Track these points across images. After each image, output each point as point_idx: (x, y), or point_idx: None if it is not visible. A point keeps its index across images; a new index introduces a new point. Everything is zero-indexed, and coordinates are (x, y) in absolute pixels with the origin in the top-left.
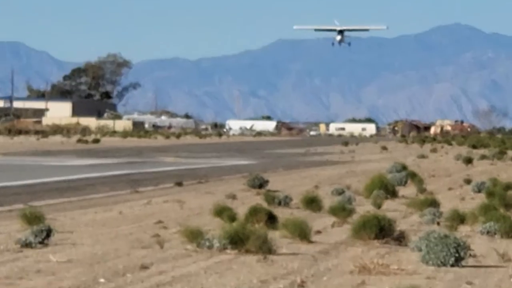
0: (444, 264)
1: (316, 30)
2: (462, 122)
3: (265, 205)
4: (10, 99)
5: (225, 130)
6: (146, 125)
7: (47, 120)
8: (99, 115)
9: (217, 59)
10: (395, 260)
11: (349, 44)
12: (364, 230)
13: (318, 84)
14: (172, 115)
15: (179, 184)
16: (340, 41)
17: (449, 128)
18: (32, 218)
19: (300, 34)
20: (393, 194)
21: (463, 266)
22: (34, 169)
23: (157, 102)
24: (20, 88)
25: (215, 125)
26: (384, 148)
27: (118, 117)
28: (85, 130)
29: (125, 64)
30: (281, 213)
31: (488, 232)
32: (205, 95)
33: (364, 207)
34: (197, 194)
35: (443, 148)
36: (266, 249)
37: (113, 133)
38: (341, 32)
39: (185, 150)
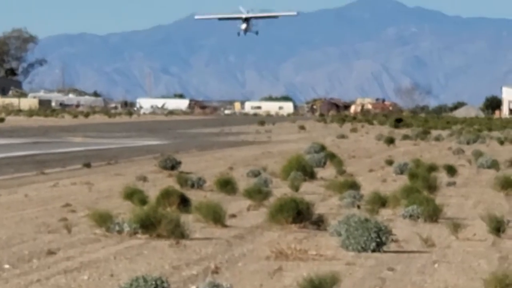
0: (365, 250)
1: (220, 19)
2: (383, 100)
3: (177, 187)
4: None
5: (135, 108)
6: (53, 104)
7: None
8: (4, 92)
9: (127, 34)
10: (314, 245)
11: (257, 33)
12: (281, 214)
13: (233, 61)
14: (80, 93)
15: (88, 165)
16: (246, 30)
17: (370, 106)
18: None
19: (215, 9)
20: (311, 176)
21: (385, 252)
22: None
23: (65, 79)
24: None
25: (125, 104)
26: (302, 127)
27: (24, 95)
28: None
29: (30, 39)
30: (194, 196)
31: (410, 216)
32: (114, 72)
33: (281, 190)
34: (106, 176)
35: (364, 128)
36: (178, 233)
37: (18, 111)
38: (247, 20)
39: (94, 130)
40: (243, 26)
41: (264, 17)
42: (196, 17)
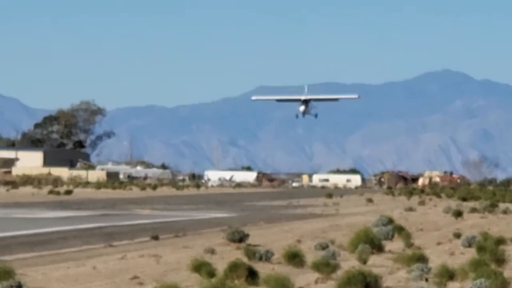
0: None
1: (278, 101)
2: (451, 173)
3: (245, 260)
4: None
5: (203, 181)
6: (121, 176)
7: (17, 170)
8: (72, 165)
9: (195, 106)
10: None
11: (316, 116)
12: (349, 287)
13: (300, 133)
14: (148, 165)
15: (155, 238)
16: (304, 113)
17: (438, 179)
18: (2, 274)
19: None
20: (379, 248)
21: None
22: (4, 222)
23: (133, 151)
24: None
25: (193, 176)
26: (370, 200)
27: (92, 167)
28: (57, 181)
29: (99, 111)
30: (262, 268)
31: None
32: (182, 144)
33: (349, 263)
34: (174, 248)
35: (432, 201)
36: None
37: (86, 184)
38: (305, 102)
39: (162, 202)
40: (302, 108)
41: (324, 100)
42: (253, 98)
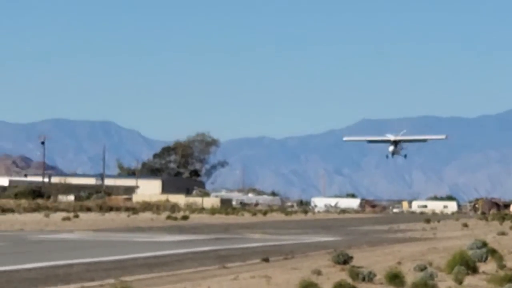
0: None
1: (369, 142)
2: None
3: (349, 280)
4: (102, 176)
5: (310, 207)
6: (234, 202)
7: (137, 197)
8: (188, 192)
9: (302, 138)
10: None
11: (405, 156)
12: None
13: (400, 163)
14: (259, 192)
15: (266, 260)
16: (394, 153)
17: None
18: None
19: (383, 113)
20: (474, 270)
21: None
22: (125, 245)
23: (245, 180)
24: (111, 166)
25: (301, 203)
26: (465, 225)
27: (207, 194)
28: (174, 207)
29: (213, 143)
30: None
31: None
32: (291, 173)
33: (446, 283)
34: (283, 269)
35: None
36: None
37: (202, 210)
38: (395, 143)
39: (272, 227)
40: (391, 148)
41: (413, 141)
42: (345, 138)
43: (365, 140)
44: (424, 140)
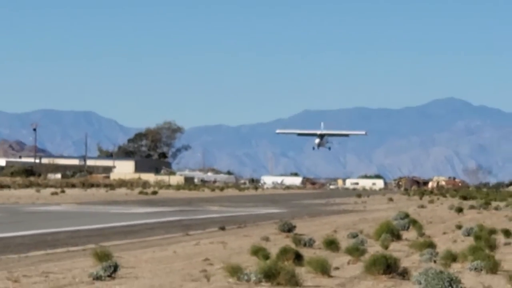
0: None
1: (298, 134)
2: (454, 178)
3: (293, 246)
4: (84, 158)
5: (260, 184)
6: (195, 180)
7: (114, 176)
8: (157, 171)
9: (253, 126)
10: None
11: (329, 148)
12: (374, 267)
13: (336, 147)
14: (217, 172)
15: (222, 228)
16: (320, 145)
17: (443, 183)
18: (102, 256)
19: (323, 105)
20: (398, 237)
21: None
22: (104, 216)
23: (205, 161)
24: (92, 149)
25: (252, 180)
26: (390, 199)
27: (173, 173)
28: (145, 184)
29: (178, 130)
30: (306, 252)
31: (475, 269)
32: (244, 155)
33: (374, 248)
34: (237, 237)
35: (439, 200)
36: (294, 282)
37: (168, 186)
38: (321, 136)
39: (227, 201)
40: (317, 141)
41: (336, 135)
42: (277, 131)
43: (295, 133)
44: (347, 135)
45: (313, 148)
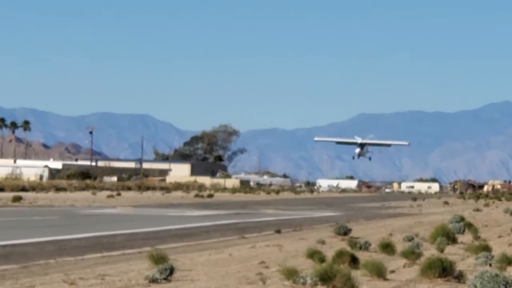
0: None
1: (337, 143)
2: (510, 182)
3: (348, 249)
4: (140, 161)
5: (315, 187)
6: (251, 183)
7: (170, 179)
8: (213, 174)
9: (309, 129)
10: None
11: (370, 158)
12: (429, 270)
13: (392, 150)
14: (272, 175)
15: (278, 231)
16: (360, 155)
17: (499, 187)
18: (158, 259)
19: (378, 109)
20: (453, 240)
21: None
22: (159, 219)
23: (260, 164)
24: (148, 152)
25: (308, 183)
26: (446, 203)
27: (228, 176)
28: (201, 187)
29: (234, 133)
30: (362, 255)
31: None
32: (299, 158)
33: (429, 251)
34: (293, 239)
35: (494, 203)
36: (349, 285)
37: (224, 189)
38: (361, 145)
39: (283, 204)
40: (357, 150)
41: (377, 145)
42: (316, 139)
43: (334, 141)
44: (388, 145)
45: (353, 158)
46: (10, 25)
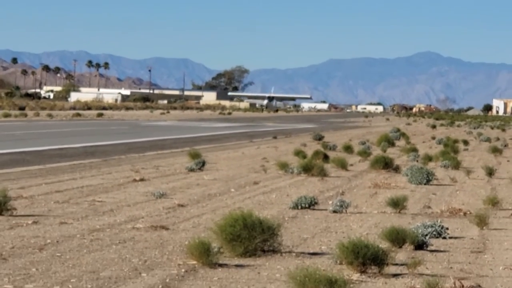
0: (420, 183)
1: (249, 98)
2: (430, 105)
3: (322, 149)
4: (182, 90)
5: (300, 108)
6: (257, 105)
7: (202, 102)
8: (231, 99)
9: (296, 69)
10: (393, 181)
11: (277, 110)
12: (376, 164)
13: (351, 84)
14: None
15: (275, 137)
16: (267, 106)
17: (423, 109)
18: (194, 155)
19: (344, 55)
20: (392, 144)
21: (431, 184)
22: (195, 128)
23: (263, 92)
24: (188, 84)
25: (295, 106)
26: (387, 119)
27: (241, 100)
28: (223, 108)
29: (245, 71)
30: (331, 154)
31: (444, 166)
32: (289, 89)
33: (376, 151)
34: (284, 143)
35: (420, 120)
36: (323, 174)
37: (239, 109)
38: (269, 98)
39: (279, 119)
40: (265, 102)
41: (284, 98)
42: (229, 93)
43: (246, 96)
44: (293, 99)
45: (262, 108)
46: None
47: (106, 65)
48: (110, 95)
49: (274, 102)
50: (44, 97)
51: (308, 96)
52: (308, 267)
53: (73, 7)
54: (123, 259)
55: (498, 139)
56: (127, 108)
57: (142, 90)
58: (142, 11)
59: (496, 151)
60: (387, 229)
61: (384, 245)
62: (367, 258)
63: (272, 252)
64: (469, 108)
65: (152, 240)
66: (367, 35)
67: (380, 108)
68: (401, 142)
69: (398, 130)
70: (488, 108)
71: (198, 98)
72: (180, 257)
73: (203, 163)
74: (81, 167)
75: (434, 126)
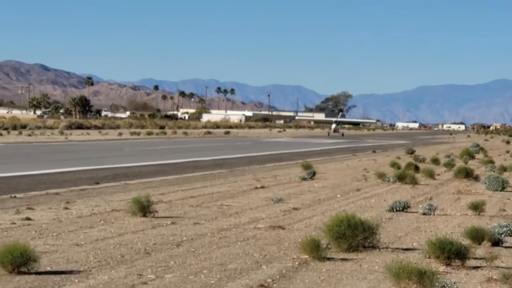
0: (497, 190)
1: (315, 122)
2: (505, 124)
3: (414, 161)
4: (296, 112)
5: (395, 127)
6: (360, 125)
7: (313, 121)
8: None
9: (392, 94)
10: (474, 188)
11: (342, 134)
12: (459, 174)
13: (438, 106)
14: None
15: (374, 151)
16: (335, 130)
17: (499, 127)
18: (306, 166)
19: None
20: (472, 157)
21: (505, 191)
22: (307, 144)
23: (364, 114)
24: (300, 107)
25: (390, 125)
26: (468, 136)
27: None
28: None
29: (349, 96)
30: (421, 165)
31: None
32: (386, 111)
33: (459, 163)
34: (382, 156)
35: (496, 136)
36: (414, 182)
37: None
38: (337, 122)
39: (377, 136)
40: (333, 126)
41: (349, 123)
42: (297, 117)
43: (315, 119)
44: (358, 124)
45: (328, 134)
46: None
47: (232, 91)
48: (235, 116)
49: (340, 127)
50: (181, 118)
51: (374, 121)
52: (402, 261)
53: (205, 42)
54: (247, 253)
55: None
56: (250, 127)
57: (263, 112)
58: (264, 45)
59: None
60: (468, 229)
61: (466, 242)
62: (452, 253)
63: (372, 248)
64: None
65: (271, 238)
66: (451, 66)
67: (462, 127)
68: (480, 155)
69: (478, 145)
70: None
71: (310, 118)
72: (295, 252)
73: (314, 173)
74: (211, 176)
75: (508, 142)
